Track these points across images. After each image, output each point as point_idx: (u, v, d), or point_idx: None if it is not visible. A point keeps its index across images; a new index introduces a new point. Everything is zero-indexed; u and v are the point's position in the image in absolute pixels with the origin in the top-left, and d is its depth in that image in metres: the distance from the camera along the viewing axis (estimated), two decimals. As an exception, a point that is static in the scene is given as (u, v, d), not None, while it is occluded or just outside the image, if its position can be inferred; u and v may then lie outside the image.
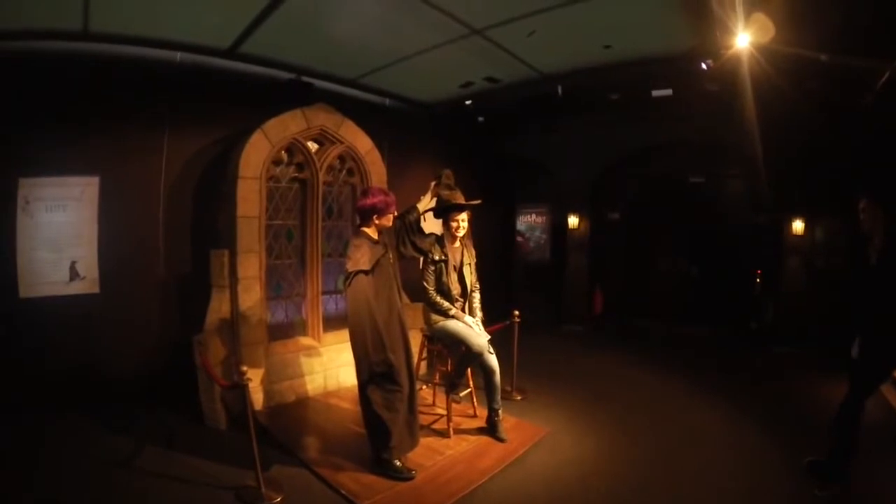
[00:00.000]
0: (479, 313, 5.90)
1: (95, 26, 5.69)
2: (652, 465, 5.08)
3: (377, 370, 4.58)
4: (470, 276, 5.86)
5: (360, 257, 4.59)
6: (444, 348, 5.85)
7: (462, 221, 5.66)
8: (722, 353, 9.77)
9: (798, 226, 9.54)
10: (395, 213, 5.02)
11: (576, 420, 6.26)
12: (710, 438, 5.76)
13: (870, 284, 4.52)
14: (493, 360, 5.51)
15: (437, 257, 5.62)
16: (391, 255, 5.00)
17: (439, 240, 5.69)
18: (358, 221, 4.98)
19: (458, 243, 5.78)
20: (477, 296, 5.98)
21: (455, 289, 5.71)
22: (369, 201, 4.81)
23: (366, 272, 4.58)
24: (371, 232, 4.86)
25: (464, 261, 5.79)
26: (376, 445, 4.75)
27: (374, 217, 4.82)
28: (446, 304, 5.61)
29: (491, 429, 5.68)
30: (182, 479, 4.65)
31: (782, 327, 9.81)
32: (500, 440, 5.52)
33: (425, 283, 5.66)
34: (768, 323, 10.16)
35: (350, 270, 4.58)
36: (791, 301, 9.75)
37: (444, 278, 5.63)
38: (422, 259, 5.73)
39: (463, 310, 5.76)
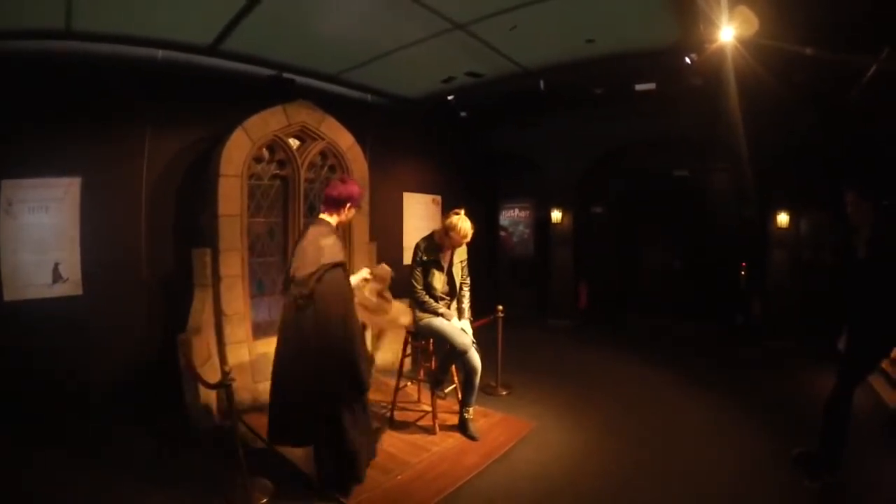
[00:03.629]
0: (467, 313, 5.90)
1: (78, 25, 5.62)
2: (639, 460, 5.10)
3: (365, 378, 4.31)
4: (459, 276, 5.84)
5: (333, 248, 4.23)
6: (429, 345, 5.84)
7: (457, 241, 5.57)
8: (708, 346, 9.83)
9: (783, 219, 9.57)
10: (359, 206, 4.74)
11: (562, 415, 6.28)
12: (698, 432, 5.80)
13: (858, 277, 4.55)
14: (476, 361, 5.49)
15: (424, 257, 5.61)
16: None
17: (431, 240, 5.67)
18: (322, 209, 4.54)
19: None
20: (467, 294, 5.96)
21: (441, 288, 5.69)
22: (349, 189, 4.49)
23: (343, 265, 4.26)
24: (334, 224, 4.48)
25: (453, 260, 5.76)
26: (344, 478, 4.42)
27: (347, 206, 4.50)
28: (433, 303, 5.60)
29: (461, 427, 5.70)
30: (167, 481, 4.60)
31: (769, 320, 9.86)
32: (472, 439, 5.53)
33: (413, 282, 5.63)
34: (755, 316, 10.20)
35: (325, 262, 4.14)
36: (777, 294, 9.79)
37: (430, 278, 5.61)
38: (411, 258, 5.73)
39: (450, 308, 5.75)
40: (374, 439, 4.77)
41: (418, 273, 5.62)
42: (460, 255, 5.83)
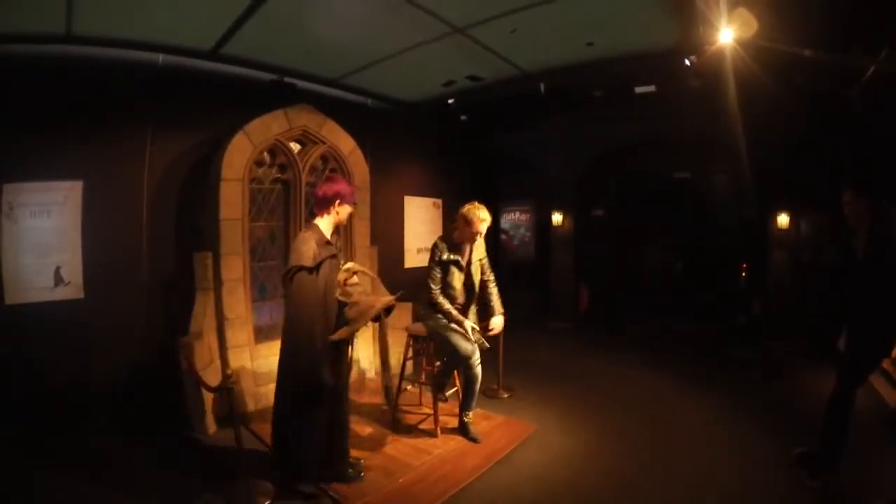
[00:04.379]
0: (499, 307, 5.81)
1: (78, 29, 5.62)
2: (640, 461, 5.11)
3: (311, 388, 4.20)
4: (477, 275, 5.66)
5: (306, 251, 4.12)
6: (430, 348, 5.85)
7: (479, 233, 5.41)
8: (710, 347, 9.83)
9: (783, 220, 9.59)
10: (355, 203, 4.74)
11: (564, 417, 6.29)
12: (700, 433, 5.81)
13: (856, 278, 4.55)
14: (478, 369, 5.43)
15: (444, 257, 5.38)
16: (340, 261, 4.59)
17: (450, 239, 5.49)
18: (315, 212, 4.51)
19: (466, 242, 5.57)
20: (494, 290, 5.84)
21: (459, 289, 5.53)
22: (334, 187, 4.44)
23: (309, 269, 4.11)
24: (325, 227, 4.42)
25: (472, 259, 5.58)
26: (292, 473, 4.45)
27: (337, 203, 4.42)
28: (447, 306, 5.38)
29: (462, 430, 5.69)
30: (168, 485, 4.62)
31: (769, 321, 9.87)
32: (474, 441, 5.53)
33: (430, 282, 5.40)
34: (756, 317, 10.21)
35: (291, 265, 4.13)
36: (777, 294, 9.80)
37: (449, 278, 5.44)
38: (429, 257, 5.56)
39: (467, 309, 5.59)
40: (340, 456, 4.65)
41: (437, 273, 5.40)
42: (478, 253, 5.65)
